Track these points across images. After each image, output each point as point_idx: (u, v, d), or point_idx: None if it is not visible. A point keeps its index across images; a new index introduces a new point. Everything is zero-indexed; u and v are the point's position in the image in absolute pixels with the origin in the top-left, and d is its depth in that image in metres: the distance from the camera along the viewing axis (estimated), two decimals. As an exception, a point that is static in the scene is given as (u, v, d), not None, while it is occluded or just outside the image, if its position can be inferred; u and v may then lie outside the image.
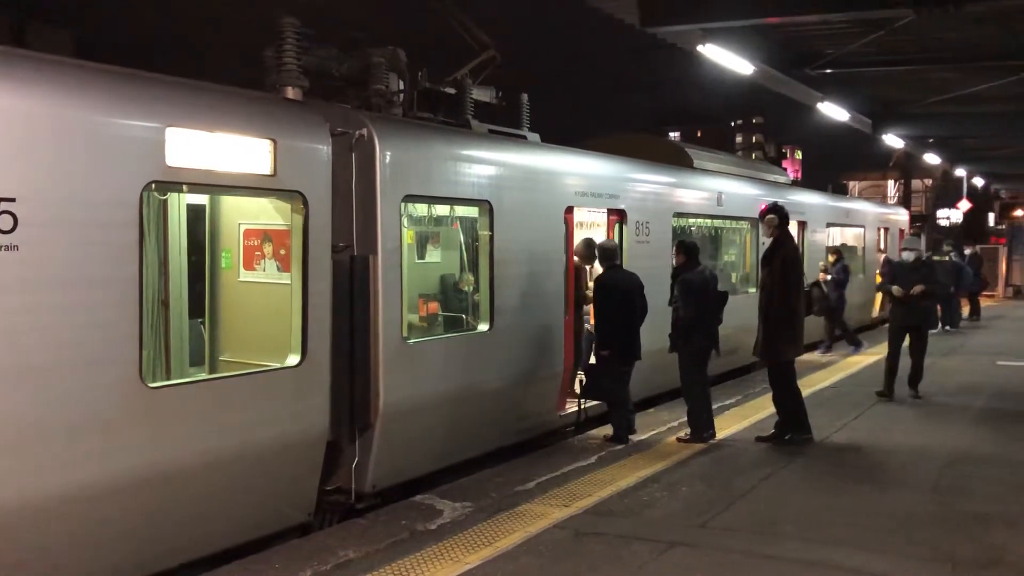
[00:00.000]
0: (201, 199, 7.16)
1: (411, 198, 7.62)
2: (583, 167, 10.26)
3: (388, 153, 7.14)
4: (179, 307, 7.07)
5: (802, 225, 16.47)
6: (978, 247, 29.65)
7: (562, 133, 12.86)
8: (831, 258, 15.90)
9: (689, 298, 8.75)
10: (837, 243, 18.82)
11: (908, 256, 11.18)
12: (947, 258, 18.93)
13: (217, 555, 5.93)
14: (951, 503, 6.97)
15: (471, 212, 8.62)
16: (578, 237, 10.13)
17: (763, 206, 14.43)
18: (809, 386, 12.35)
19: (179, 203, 6.96)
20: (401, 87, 8.48)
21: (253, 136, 6.09)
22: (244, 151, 6.02)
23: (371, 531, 6.34)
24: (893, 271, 11.35)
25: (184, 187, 6.21)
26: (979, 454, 8.56)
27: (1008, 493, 7.23)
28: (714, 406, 10.06)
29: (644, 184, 11.42)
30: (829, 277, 15.36)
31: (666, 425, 9.62)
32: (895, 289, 10.88)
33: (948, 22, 9.43)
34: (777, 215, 8.87)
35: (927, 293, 10.91)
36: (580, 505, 6.90)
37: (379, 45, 8.19)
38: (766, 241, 9.40)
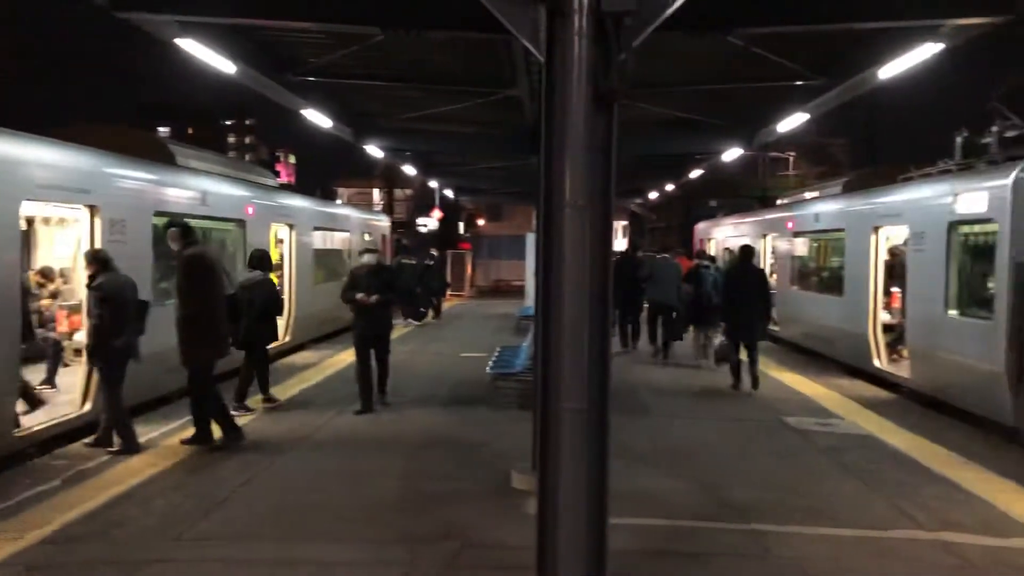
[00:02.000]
0: None
1: None
2: (45, 156, 9.22)
3: None
4: None
5: (290, 228, 16.84)
6: (447, 252, 33.17)
7: (42, 121, 11.45)
8: None
9: (106, 305, 8.53)
10: (327, 247, 19.59)
11: (370, 259, 11.37)
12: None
13: None
14: (415, 486, 7.65)
15: None
16: (43, 235, 9.14)
17: (249, 209, 14.53)
18: (299, 384, 12.69)
19: None
20: None
21: None
22: None
23: None
24: (354, 278, 11.24)
25: None
26: (441, 439, 9.53)
27: (457, 470, 8.17)
28: (180, 421, 9.77)
29: (121, 179, 10.64)
30: None
31: (144, 437, 9.08)
32: (360, 296, 10.81)
33: (414, 46, 10.25)
34: (179, 228, 9.17)
35: (386, 301, 11.09)
36: (36, 535, 6.20)
37: None
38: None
